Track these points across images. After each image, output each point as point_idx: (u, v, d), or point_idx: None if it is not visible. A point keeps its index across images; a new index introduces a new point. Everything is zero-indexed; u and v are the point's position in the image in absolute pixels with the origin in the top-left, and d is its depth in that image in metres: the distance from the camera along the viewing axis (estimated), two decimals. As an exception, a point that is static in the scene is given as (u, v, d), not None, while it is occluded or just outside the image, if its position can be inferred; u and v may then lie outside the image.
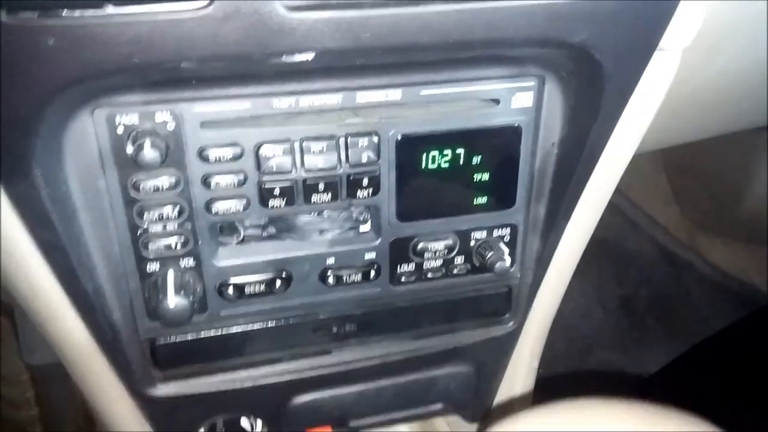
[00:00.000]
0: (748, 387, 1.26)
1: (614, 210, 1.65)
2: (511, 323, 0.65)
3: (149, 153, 0.46)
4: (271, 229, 0.55)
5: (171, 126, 0.47)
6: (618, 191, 1.70)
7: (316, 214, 0.55)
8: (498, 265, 0.59)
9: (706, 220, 1.59)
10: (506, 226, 0.60)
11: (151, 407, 0.58)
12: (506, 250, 0.59)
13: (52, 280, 0.49)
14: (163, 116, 0.46)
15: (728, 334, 1.44)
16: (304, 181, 0.51)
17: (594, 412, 0.35)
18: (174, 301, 0.51)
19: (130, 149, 0.47)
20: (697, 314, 1.54)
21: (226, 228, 0.54)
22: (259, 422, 0.64)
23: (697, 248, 1.60)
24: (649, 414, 0.35)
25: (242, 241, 0.55)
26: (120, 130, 0.46)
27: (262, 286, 0.55)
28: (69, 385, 1.26)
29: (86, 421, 1.20)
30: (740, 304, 1.52)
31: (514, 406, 0.74)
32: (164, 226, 0.50)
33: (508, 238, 0.60)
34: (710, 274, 1.56)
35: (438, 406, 0.73)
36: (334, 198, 0.53)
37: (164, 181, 0.49)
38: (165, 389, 0.58)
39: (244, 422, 0.64)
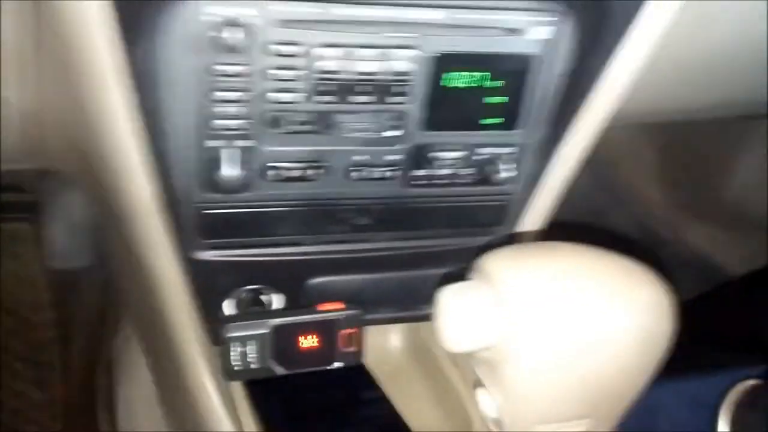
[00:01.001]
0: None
1: (602, 186, 1.76)
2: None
3: (228, 41, 0.55)
4: (314, 125, 0.64)
5: (249, 20, 0.56)
6: (608, 165, 1.79)
7: (353, 115, 0.64)
8: (498, 177, 0.70)
9: (689, 202, 1.70)
10: (510, 145, 0.70)
11: (193, 268, 0.68)
12: (506, 166, 0.70)
13: (136, 139, 0.59)
14: (243, 11, 0.55)
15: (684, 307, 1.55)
16: (350, 82, 0.61)
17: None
18: (227, 171, 0.61)
19: (211, 34, 0.55)
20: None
21: (276, 119, 0.63)
22: (275, 298, 0.74)
23: (675, 228, 1.72)
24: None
25: (288, 132, 0.64)
26: (204, 18, 0.55)
27: (300, 172, 0.65)
28: (84, 292, 1.37)
29: (97, 326, 1.30)
30: (704, 282, 1.63)
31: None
32: (228, 108, 0.60)
33: (510, 155, 0.70)
34: (682, 251, 1.68)
35: (429, 309, 0.84)
36: (373, 101, 0.63)
37: (235, 67, 0.58)
38: (206, 254, 0.68)
39: (264, 298, 0.74)
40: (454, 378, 0.86)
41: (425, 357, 0.92)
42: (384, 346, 0.95)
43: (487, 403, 0.42)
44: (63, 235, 1.29)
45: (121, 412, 1.09)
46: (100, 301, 1.31)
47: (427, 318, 0.85)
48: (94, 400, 1.17)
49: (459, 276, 0.46)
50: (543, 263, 0.41)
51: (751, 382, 1.04)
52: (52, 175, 1.28)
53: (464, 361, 0.87)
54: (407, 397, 0.85)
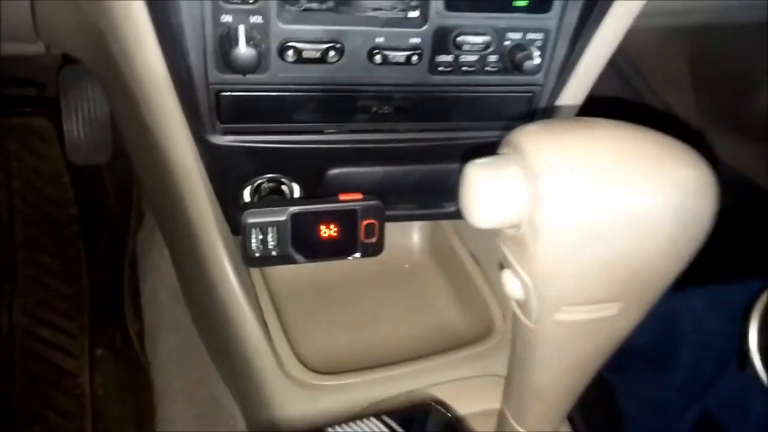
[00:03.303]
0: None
1: (632, 95, 1.70)
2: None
3: None
4: (331, 2, 0.61)
5: None
6: (637, 73, 1.70)
7: None
8: (527, 64, 0.66)
9: (720, 112, 1.64)
10: (540, 30, 0.65)
11: (210, 153, 0.67)
12: (537, 53, 0.66)
13: (147, 13, 0.56)
14: None
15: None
16: None
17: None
18: (244, 49, 0.58)
19: None
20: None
21: None
22: (296, 188, 0.73)
23: (701, 136, 1.66)
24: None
25: (306, 9, 0.61)
26: None
27: (318, 53, 0.62)
28: (106, 188, 1.37)
29: (121, 222, 1.31)
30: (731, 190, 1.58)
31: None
32: None
33: (540, 42, 0.66)
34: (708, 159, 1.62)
35: (452, 207, 0.83)
36: None
37: None
38: (223, 139, 0.66)
39: (284, 188, 0.72)
40: (475, 275, 0.85)
41: (446, 255, 0.91)
42: (404, 244, 0.94)
43: (513, 283, 0.41)
44: (84, 131, 1.28)
45: (145, 303, 1.12)
46: (123, 197, 1.31)
47: (448, 216, 0.85)
48: (120, 293, 1.19)
49: (487, 152, 0.43)
50: (577, 137, 0.38)
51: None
52: (71, 69, 1.26)
53: (485, 258, 0.86)
54: (427, 295, 0.85)
